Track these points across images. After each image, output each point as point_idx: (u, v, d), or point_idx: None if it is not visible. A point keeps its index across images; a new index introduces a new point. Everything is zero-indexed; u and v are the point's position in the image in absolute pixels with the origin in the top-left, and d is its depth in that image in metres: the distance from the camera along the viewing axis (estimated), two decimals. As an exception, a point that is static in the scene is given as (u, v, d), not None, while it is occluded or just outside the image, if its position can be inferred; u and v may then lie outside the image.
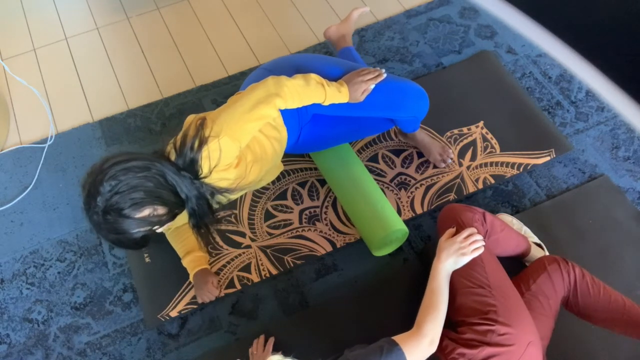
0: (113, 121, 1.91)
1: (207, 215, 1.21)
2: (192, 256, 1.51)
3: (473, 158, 1.77)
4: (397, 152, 1.78)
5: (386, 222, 1.52)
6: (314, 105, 1.37)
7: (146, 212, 1.10)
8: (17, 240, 1.66)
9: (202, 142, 1.16)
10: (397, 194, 1.70)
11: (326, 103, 1.35)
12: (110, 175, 1.07)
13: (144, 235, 1.16)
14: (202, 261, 1.52)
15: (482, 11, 2.16)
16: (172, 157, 1.18)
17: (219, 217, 1.19)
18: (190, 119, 1.24)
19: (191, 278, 1.52)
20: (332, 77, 1.42)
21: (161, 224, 1.15)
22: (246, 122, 1.22)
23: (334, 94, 1.34)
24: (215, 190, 1.22)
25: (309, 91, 1.29)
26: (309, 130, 1.54)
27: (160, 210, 1.13)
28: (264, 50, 2.10)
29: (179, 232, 1.51)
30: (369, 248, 1.57)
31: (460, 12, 2.17)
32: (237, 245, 1.63)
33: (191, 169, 1.16)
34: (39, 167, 1.80)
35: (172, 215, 1.16)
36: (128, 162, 1.09)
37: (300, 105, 1.31)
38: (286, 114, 1.41)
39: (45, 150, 1.84)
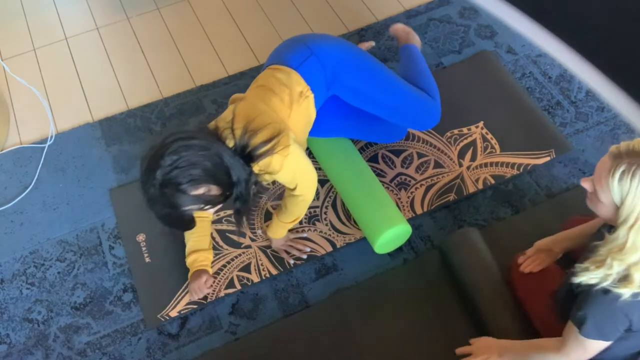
0: (113, 121, 1.91)
1: (250, 200, 1.25)
2: (196, 255, 1.51)
3: (473, 158, 1.77)
4: (397, 152, 1.78)
5: (391, 218, 1.52)
6: (338, 82, 1.48)
7: (201, 190, 1.14)
8: (17, 240, 1.66)
9: (270, 151, 1.23)
10: (397, 194, 1.70)
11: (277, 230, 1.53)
12: (172, 150, 1.10)
13: (191, 216, 1.19)
14: (204, 262, 1.52)
15: (482, 11, 2.16)
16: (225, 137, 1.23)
17: (258, 203, 1.31)
18: (242, 102, 1.33)
19: (189, 275, 1.52)
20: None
21: (212, 204, 1.18)
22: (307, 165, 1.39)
23: (280, 229, 1.53)
24: (261, 177, 1.29)
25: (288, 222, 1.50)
26: (325, 109, 1.57)
27: (214, 190, 1.17)
28: (264, 50, 2.10)
29: (197, 228, 1.50)
30: (372, 243, 1.55)
31: (460, 12, 2.17)
32: (237, 245, 1.63)
33: (245, 156, 1.21)
34: (39, 167, 1.80)
35: (223, 198, 1.20)
36: (190, 139, 1.13)
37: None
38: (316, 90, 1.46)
39: (45, 150, 1.84)
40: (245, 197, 1.23)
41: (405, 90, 1.59)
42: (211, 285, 1.53)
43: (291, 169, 1.32)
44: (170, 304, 1.53)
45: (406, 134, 1.79)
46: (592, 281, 1.05)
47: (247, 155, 1.22)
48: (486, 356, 1.31)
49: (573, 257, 1.42)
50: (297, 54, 1.46)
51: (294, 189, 1.39)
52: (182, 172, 1.10)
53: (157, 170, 1.09)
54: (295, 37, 1.55)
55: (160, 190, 1.10)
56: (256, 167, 1.25)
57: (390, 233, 1.52)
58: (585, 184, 1.08)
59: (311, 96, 1.43)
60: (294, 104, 1.39)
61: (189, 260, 1.52)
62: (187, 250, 1.53)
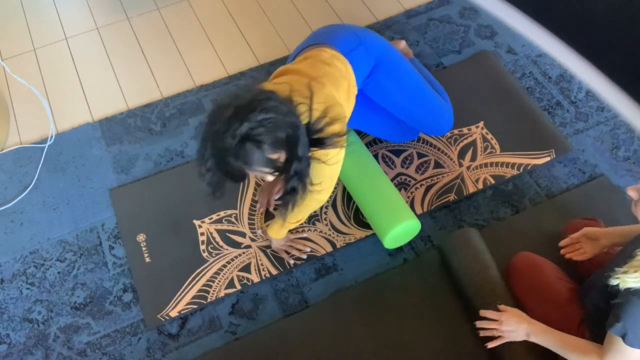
0: (113, 121, 1.91)
1: (305, 180, 1.25)
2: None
3: (473, 158, 1.77)
4: (397, 152, 1.78)
5: (406, 211, 1.54)
6: (373, 79, 1.51)
7: (276, 155, 1.14)
8: (17, 240, 1.66)
9: (336, 144, 1.25)
10: (397, 194, 1.70)
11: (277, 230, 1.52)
12: (264, 107, 1.09)
13: (246, 173, 1.19)
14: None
15: (482, 11, 2.16)
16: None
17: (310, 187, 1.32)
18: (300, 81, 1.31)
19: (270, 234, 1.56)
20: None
21: (277, 171, 1.18)
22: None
23: (282, 229, 1.52)
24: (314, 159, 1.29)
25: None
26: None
27: (282, 159, 1.17)
28: (264, 50, 2.11)
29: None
30: (383, 234, 1.53)
31: (460, 12, 2.17)
32: (237, 245, 1.63)
33: (311, 138, 1.22)
34: (39, 167, 1.80)
35: (286, 169, 1.19)
36: (280, 103, 1.13)
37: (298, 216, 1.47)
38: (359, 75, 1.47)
39: (45, 150, 1.84)
40: (302, 176, 1.22)
41: (431, 98, 1.64)
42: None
43: (332, 168, 1.34)
44: (170, 304, 1.53)
45: (417, 136, 1.80)
46: (630, 284, 1.05)
47: (314, 139, 1.22)
48: (513, 328, 1.27)
49: (579, 270, 1.43)
50: (347, 40, 1.45)
51: (316, 184, 1.36)
52: (267, 132, 1.09)
53: (244, 122, 1.07)
54: (339, 24, 1.53)
55: (239, 142, 1.08)
56: (314, 152, 1.25)
57: (404, 226, 1.52)
58: (632, 192, 1.09)
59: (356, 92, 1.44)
60: (350, 99, 1.41)
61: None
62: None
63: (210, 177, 1.18)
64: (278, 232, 1.53)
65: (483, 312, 1.33)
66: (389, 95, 1.55)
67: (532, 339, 1.25)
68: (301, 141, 1.17)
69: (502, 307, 1.32)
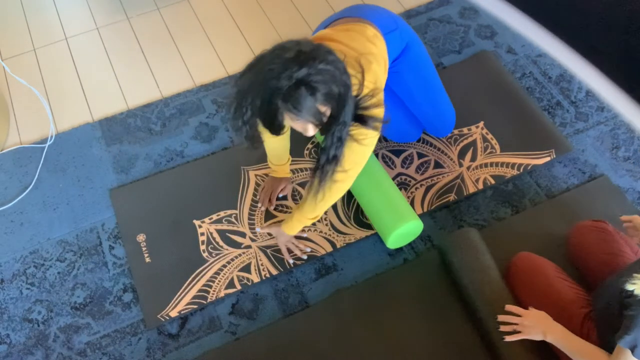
0: (113, 121, 1.91)
1: (339, 159, 1.24)
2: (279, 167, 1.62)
3: (473, 158, 1.77)
4: (397, 153, 1.78)
5: (411, 212, 1.54)
6: (396, 69, 1.54)
7: (324, 108, 1.13)
8: (17, 240, 1.66)
9: (375, 127, 1.25)
10: (397, 194, 1.70)
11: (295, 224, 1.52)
12: (326, 59, 1.08)
13: (284, 125, 1.18)
14: (283, 171, 1.64)
15: (482, 11, 2.16)
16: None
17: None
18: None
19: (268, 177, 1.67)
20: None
21: (320, 125, 1.16)
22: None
23: (298, 224, 1.52)
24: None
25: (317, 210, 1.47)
26: None
27: (327, 114, 1.15)
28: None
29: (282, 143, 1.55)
30: (387, 233, 1.53)
31: (460, 12, 2.17)
32: (237, 245, 1.63)
33: (355, 112, 1.20)
34: (39, 167, 1.80)
35: (327, 128, 1.18)
36: (339, 62, 1.13)
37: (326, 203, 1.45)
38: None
39: (45, 150, 1.84)
40: (340, 143, 1.21)
41: (444, 95, 1.68)
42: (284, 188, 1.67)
43: (365, 150, 1.33)
44: (170, 304, 1.53)
45: (419, 137, 1.80)
46: None
47: (357, 115, 1.21)
48: (533, 324, 1.26)
49: (586, 274, 1.43)
50: (387, 21, 1.43)
51: (347, 169, 1.35)
52: (324, 82, 1.08)
53: (303, 67, 1.05)
54: (376, 6, 1.52)
55: (295, 85, 1.06)
56: (352, 129, 1.23)
57: (408, 227, 1.52)
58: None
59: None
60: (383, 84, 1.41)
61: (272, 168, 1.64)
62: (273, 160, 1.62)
63: (247, 131, 1.18)
64: (293, 228, 1.52)
65: (509, 307, 1.33)
66: (406, 83, 1.56)
67: (549, 339, 1.24)
68: (348, 105, 1.16)
69: (530, 307, 1.32)
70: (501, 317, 1.32)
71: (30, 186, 1.76)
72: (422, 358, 1.43)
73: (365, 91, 1.22)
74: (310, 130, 1.17)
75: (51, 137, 1.87)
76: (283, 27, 2.18)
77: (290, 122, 1.15)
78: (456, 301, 1.49)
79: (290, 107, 1.08)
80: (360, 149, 1.31)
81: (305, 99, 1.07)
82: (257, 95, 1.10)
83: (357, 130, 1.25)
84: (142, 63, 2.09)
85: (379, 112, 1.27)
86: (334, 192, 1.40)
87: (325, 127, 1.17)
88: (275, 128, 1.16)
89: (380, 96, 1.28)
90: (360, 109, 1.21)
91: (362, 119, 1.22)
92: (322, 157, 1.23)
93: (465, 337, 1.43)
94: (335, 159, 1.23)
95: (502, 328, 1.31)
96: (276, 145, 1.56)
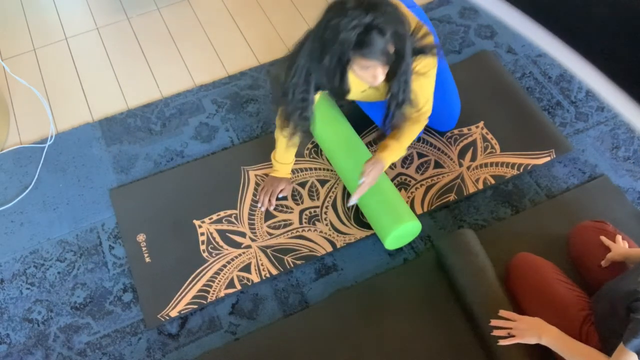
0: (113, 121, 1.91)
1: (409, 85, 1.35)
2: (282, 165, 1.66)
3: (473, 158, 1.77)
4: (397, 152, 1.78)
5: (409, 213, 1.54)
6: None
7: (392, 48, 1.21)
8: (17, 240, 1.66)
9: (429, 53, 1.37)
10: (397, 194, 1.69)
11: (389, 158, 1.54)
12: (384, 2, 1.18)
13: (349, 89, 1.32)
14: (285, 171, 1.67)
15: (482, 11, 2.16)
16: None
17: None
18: None
19: (269, 175, 1.69)
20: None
21: (388, 64, 1.24)
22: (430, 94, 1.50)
23: (396, 153, 1.55)
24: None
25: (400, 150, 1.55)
26: None
27: (391, 51, 1.22)
28: (264, 50, 2.11)
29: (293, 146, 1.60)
30: (385, 234, 1.53)
31: (460, 12, 2.17)
32: (237, 245, 1.63)
33: (412, 46, 1.31)
34: (39, 167, 1.80)
35: (393, 64, 1.26)
36: (391, 2, 1.21)
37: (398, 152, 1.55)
38: None
39: (45, 150, 1.84)
40: (407, 83, 1.33)
41: (454, 89, 1.75)
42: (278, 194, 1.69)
43: (431, 81, 1.44)
44: (170, 304, 1.53)
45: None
46: None
47: (415, 49, 1.31)
48: (527, 327, 1.26)
49: (589, 279, 1.43)
50: (415, 8, 1.59)
51: (419, 108, 1.47)
52: (390, 23, 1.16)
53: (368, 13, 1.13)
54: None
55: (365, 30, 1.14)
56: (415, 63, 1.34)
57: (405, 228, 1.52)
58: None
59: None
60: None
61: (276, 158, 1.66)
62: (279, 152, 1.65)
63: (299, 93, 1.31)
64: (391, 157, 1.53)
65: (502, 312, 1.33)
66: None
67: (544, 342, 1.23)
68: (409, 40, 1.25)
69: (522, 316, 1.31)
70: (494, 322, 1.32)
71: (30, 186, 1.76)
72: (422, 358, 1.43)
73: (413, 25, 1.32)
74: (380, 76, 1.25)
75: (51, 137, 1.87)
76: (283, 27, 2.18)
77: (360, 72, 1.24)
78: (456, 301, 1.49)
79: (364, 52, 1.17)
80: (427, 82, 1.43)
81: (377, 41, 1.16)
82: (324, 56, 1.20)
83: (420, 63, 1.37)
84: (142, 63, 2.09)
85: (431, 39, 1.37)
86: (418, 126, 1.53)
87: (391, 69, 1.27)
88: (343, 89, 1.27)
89: (425, 27, 1.37)
90: (416, 41, 1.32)
91: (420, 50, 1.34)
92: (392, 104, 1.36)
93: (465, 336, 1.43)
94: (404, 102, 1.36)
95: (496, 332, 1.30)
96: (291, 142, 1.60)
